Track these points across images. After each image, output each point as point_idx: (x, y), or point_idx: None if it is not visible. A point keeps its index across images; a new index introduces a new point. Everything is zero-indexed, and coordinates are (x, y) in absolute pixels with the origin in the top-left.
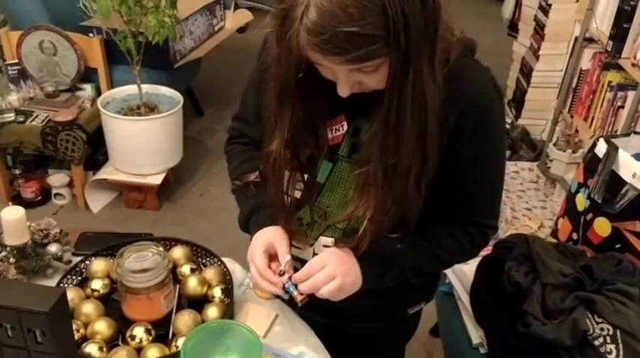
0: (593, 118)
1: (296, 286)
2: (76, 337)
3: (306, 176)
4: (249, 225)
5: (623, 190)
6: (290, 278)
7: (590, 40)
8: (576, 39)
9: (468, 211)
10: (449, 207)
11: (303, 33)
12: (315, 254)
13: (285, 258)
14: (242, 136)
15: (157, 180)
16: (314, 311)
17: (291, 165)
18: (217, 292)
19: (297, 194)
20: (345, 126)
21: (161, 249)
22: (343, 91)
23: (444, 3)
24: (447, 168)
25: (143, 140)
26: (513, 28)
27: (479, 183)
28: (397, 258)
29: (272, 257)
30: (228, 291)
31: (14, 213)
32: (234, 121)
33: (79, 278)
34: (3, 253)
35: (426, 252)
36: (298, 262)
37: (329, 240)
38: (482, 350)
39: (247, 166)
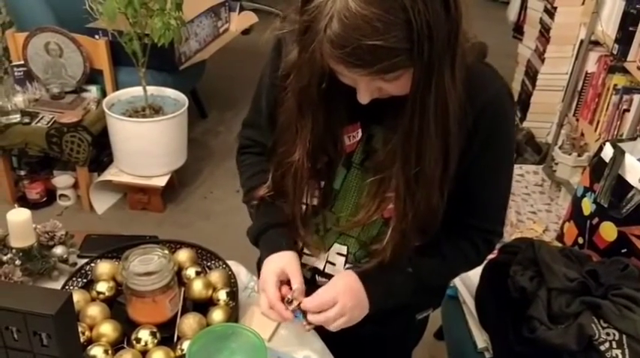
0: (598, 122)
1: (304, 313)
2: (81, 340)
3: (322, 183)
4: (259, 243)
5: (630, 195)
6: (299, 305)
7: (596, 43)
8: (582, 42)
9: (475, 216)
10: (456, 212)
11: (327, 45)
12: (327, 262)
13: (295, 286)
14: (255, 145)
15: (162, 181)
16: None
17: (309, 173)
18: (222, 295)
19: (315, 201)
20: (360, 134)
21: (166, 251)
22: (363, 98)
23: (464, 9)
24: (459, 172)
25: (148, 142)
26: (518, 30)
27: (488, 188)
28: (405, 284)
29: (283, 282)
30: (233, 294)
31: (20, 215)
32: (246, 129)
33: (85, 280)
34: (9, 255)
35: (433, 271)
36: (309, 271)
37: (343, 248)
38: (487, 355)
39: (259, 179)
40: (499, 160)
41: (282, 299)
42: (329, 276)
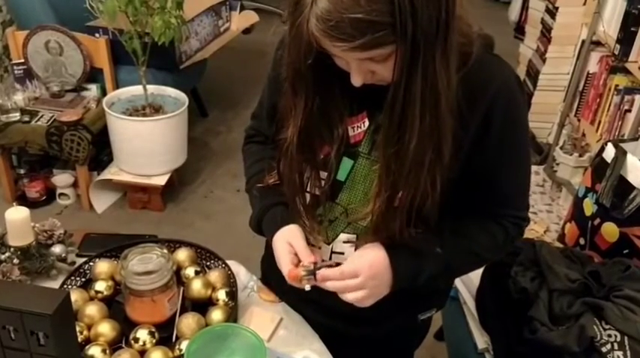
0: (599, 122)
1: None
2: (79, 339)
3: (325, 174)
4: (262, 226)
5: (632, 195)
6: (314, 268)
7: (597, 44)
8: (583, 42)
9: (501, 204)
10: (482, 202)
11: (313, 20)
12: (333, 252)
13: (307, 254)
14: (258, 135)
15: (162, 181)
16: (320, 314)
17: (310, 163)
18: (221, 295)
19: (317, 191)
20: (367, 123)
21: (165, 251)
22: (355, 80)
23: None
24: (479, 164)
25: (148, 141)
26: (520, 30)
27: (510, 175)
28: (433, 266)
29: (296, 256)
30: (232, 294)
31: (19, 213)
32: (252, 120)
33: (83, 279)
34: (7, 254)
35: (464, 253)
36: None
37: (352, 237)
38: (487, 356)
39: (260, 166)
40: (516, 147)
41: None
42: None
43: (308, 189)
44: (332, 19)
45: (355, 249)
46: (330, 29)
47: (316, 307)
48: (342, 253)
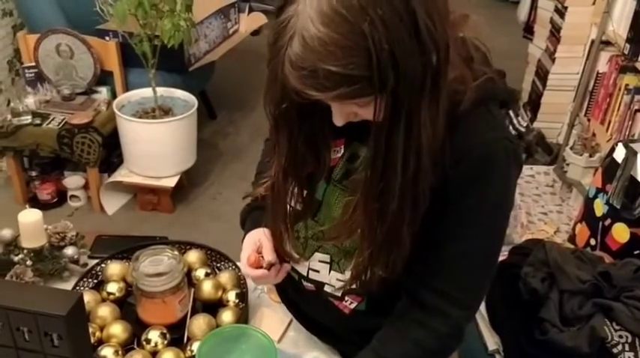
0: (610, 122)
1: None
2: (91, 340)
3: (305, 192)
4: (246, 224)
5: None
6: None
7: (607, 43)
8: (593, 42)
9: (439, 277)
10: (421, 270)
11: (287, 63)
12: (310, 269)
13: (269, 253)
14: None
15: (171, 182)
16: (307, 325)
17: (297, 180)
18: (232, 296)
19: (299, 206)
20: (342, 151)
21: (176, 252)
22: (338, 121)
23: (475, 33)
24: (431, 223)
25: (157, 143)
26: (529, 30)
27: (458, 245)
28: None
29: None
30: (242, 296)
31: (31, 215)
32: None
33: (95, 281)
34: (20, 256)
35: None
36: (295, 274)
37: (325, 257)
38: (498, 357)
39: (266, 166)
40: (478, 214)
41: (259, 265)
42: (314, 282)
43: (292, 204)
44: (305, 67)
45: (330, 268)
46: (304, 77)
47: (303, 318)
48: (318, 271)
